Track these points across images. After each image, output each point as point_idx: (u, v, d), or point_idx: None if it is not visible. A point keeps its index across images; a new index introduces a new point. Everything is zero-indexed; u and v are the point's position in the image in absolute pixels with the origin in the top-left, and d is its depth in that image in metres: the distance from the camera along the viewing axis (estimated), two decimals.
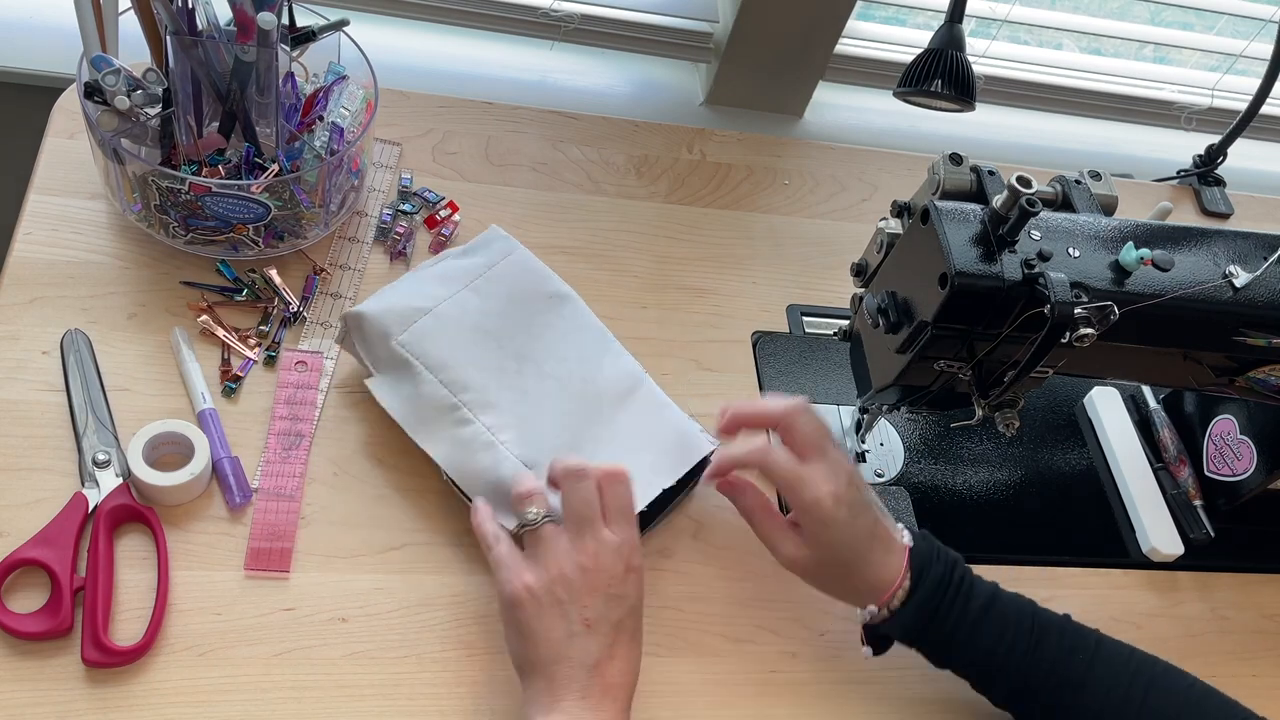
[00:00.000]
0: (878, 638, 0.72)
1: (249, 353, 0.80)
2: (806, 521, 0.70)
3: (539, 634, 0.64)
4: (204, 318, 0.80)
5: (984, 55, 1.24)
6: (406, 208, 0.92)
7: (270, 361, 0.80)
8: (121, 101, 0.76)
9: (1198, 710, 0.69)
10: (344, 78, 0.86)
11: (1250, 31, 1.27)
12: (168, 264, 0.83)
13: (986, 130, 1.30)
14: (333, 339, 0.83)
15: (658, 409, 0.80)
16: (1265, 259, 0.71)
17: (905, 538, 0.71)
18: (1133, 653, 0.71)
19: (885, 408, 0.84)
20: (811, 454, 0.70)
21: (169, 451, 0.73)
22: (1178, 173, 1.25)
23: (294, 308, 0.83)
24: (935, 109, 0.91)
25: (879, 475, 0.88)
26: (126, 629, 0.67)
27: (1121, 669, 0.69)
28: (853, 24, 1.15)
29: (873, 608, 0.70)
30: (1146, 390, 0.98)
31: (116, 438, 0.73)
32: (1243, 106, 1.14)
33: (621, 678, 0.64)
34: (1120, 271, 0.69)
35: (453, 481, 0.74)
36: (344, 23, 0.85)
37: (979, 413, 0.74)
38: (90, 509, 0.69)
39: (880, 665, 0.78)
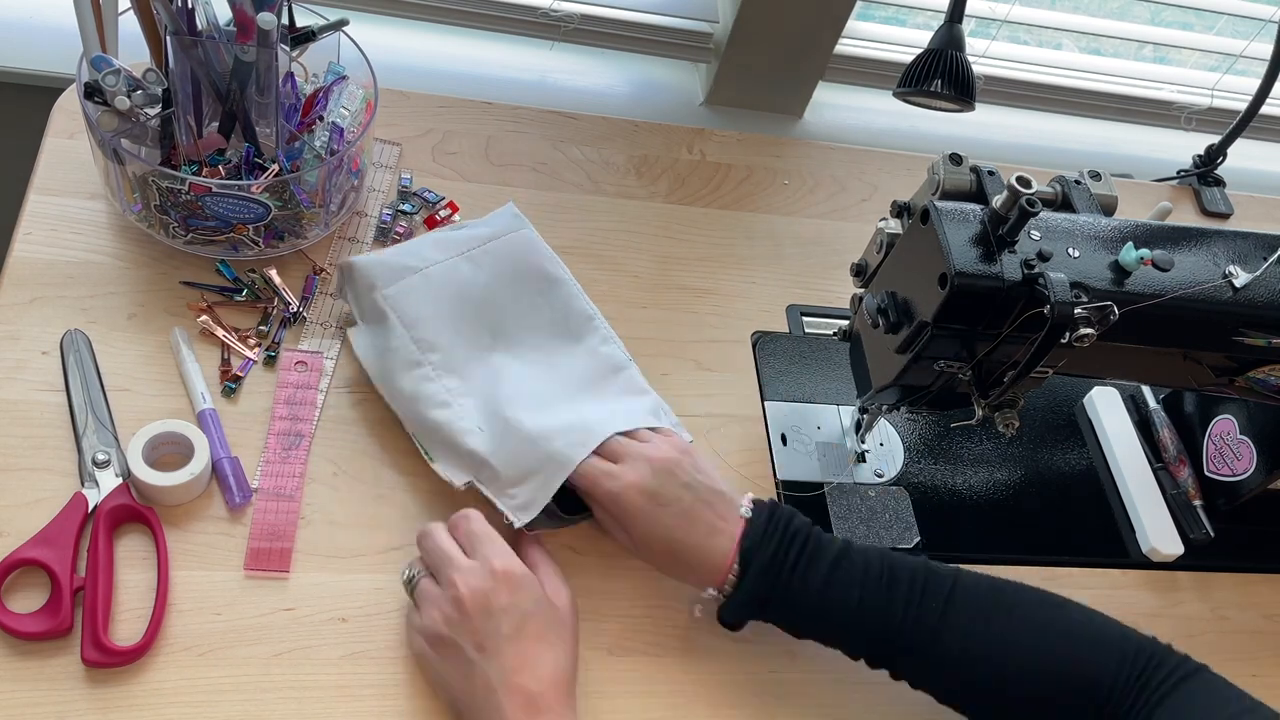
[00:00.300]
0: (719, 618, 0.72)
1: (249, 353, 0.80)
2: (612, 515, 0.71)
3: (448, 681, 0.65)
4: (204, 318, 0.80)
5: (984, 55, 1.24)
6: (406, 208, 0.92)
7: (270, 362, 0.80)
8: (121, 102, 0.76)
9: (1057, 628, 0.68)
10: (344, 78, 0.86)
11: (1250, 31, 1.27)
12: (167, 264, 0.83)
13: (986, 130, 1.30)
14: (332, 339, 0.83)
15: (632, 392, 0.80)
16: (1265, 259, 0.71)
17: (744, 510, 0.70)
18: (991, 586, 0.70)
19: (885, 408, 0.84)
20: (621, 459, 0.71)
21: (169, 451, 0.73)
22: (1177, 173, 1.25)
23: (294, 308, 0.83)
24: (935, 109, 0.91)
25: (879, 475, 0.88)
26: (126, 629, 0.67)
27: (977, 609, 0.68)
28: (853, 24, 1.15)
29: (711, 590, 0.70)
30: (1146, 390, 0.98)
31: (116, 438, 0.73)
32: (1243, 106, 1.14)
33: (538, 684, 0.63)
34: (1120, 272, 0.69)
35: (415, 439, 0.76)
36: (343, 23, 0.85)
37: (979, 413, 0.74)
38: (90, 509, 0.69)
39: None
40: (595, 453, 0.71)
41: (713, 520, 0.69)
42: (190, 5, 0.76)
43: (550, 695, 0.63)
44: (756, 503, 0.71)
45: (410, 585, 0.69)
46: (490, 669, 0.63)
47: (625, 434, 0.73)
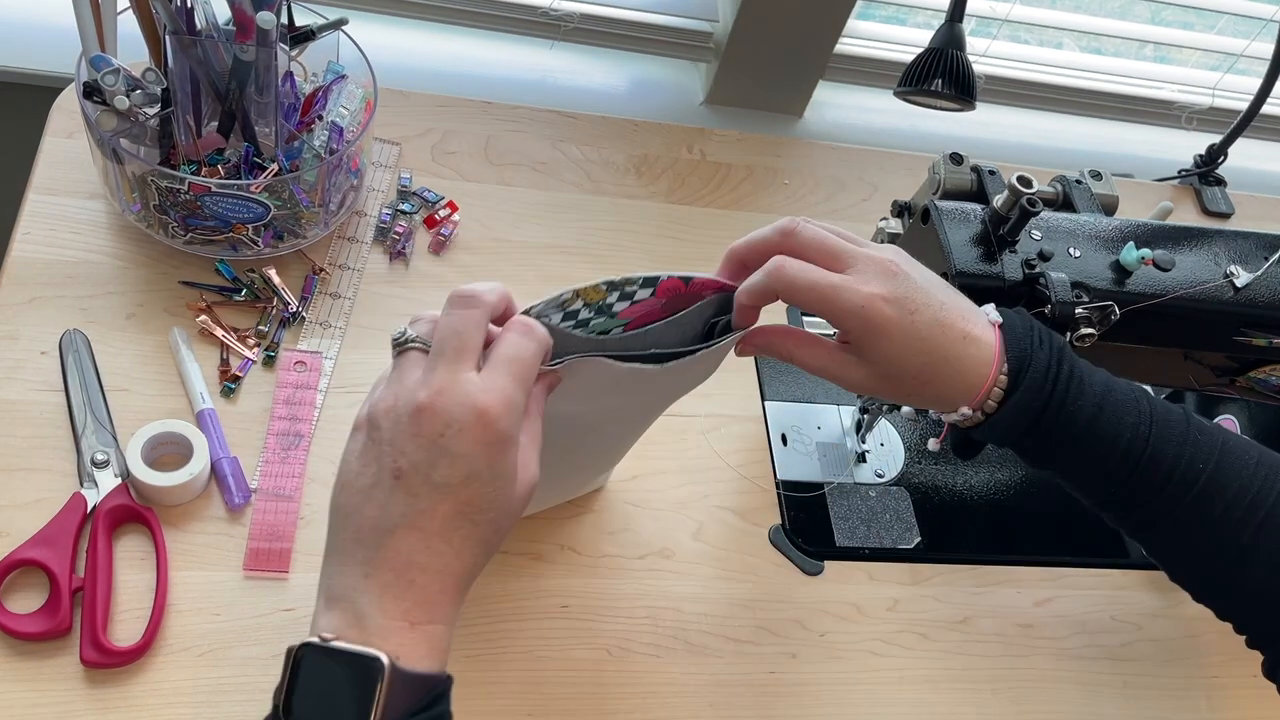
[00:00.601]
0: (965, 439, 0.62)
1: (248, 353, 0.80)
2: (856, 336, 0.57)
3: (348, 474, 0.50)
4: (203, 318, 0.80)
5: (984, 55, 1.24)
6: (406, 207, 0.92)
7: (269, 361, 0.80)
8: (120, 101, 0.76)
9: None
10: (343, 77, 0.86)
11: (1251, 31, 1.27)
12: (166, 264, 0.83)
13: (987, 130, 1.30)
14: (332, 339, 0.83)
15: None
16: (1266, 259, 0.71)
17: (993, 315, 0.59)
18: (1261, 457, 0.60)
19: (886, 408, 0.84)
20: (837, 261, 0.57)
21: (168, 452, 0.73)
22: (1178, 172, 1.25)
23: (293, 308, 0.83)
24: (936, 108, 0.91)
25: (879, 475, 0.87)
26: (125, 629, 0.67)
27: (1249, 470, 0.59)
28: (853, 23, 1.15)
29: (965, 410, 0.58)
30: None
31: (115, 438, 0.72)
32: (1243, 106, 1.14)
33: (429, 562, 0.48)
34: (1121, 271, 0.69)
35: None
36: (343, 22, 0.85)
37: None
38: (89, 509, 0.69)
39: (879, 666, 0.78)
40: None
41: (964, 326, 0.57)
42: (189, 4, 0.76)
43: (432, 576, 0.49)
44: (1001, 309, 0.60)
45: (399, 344, 0.52)
46: (392, 503, 0.48)
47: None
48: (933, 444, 0.65)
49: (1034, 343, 0.58)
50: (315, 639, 0.47)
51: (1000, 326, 0.58)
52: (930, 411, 0.61)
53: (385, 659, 0.46)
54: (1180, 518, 0.59)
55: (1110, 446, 0.58)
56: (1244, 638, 0.62)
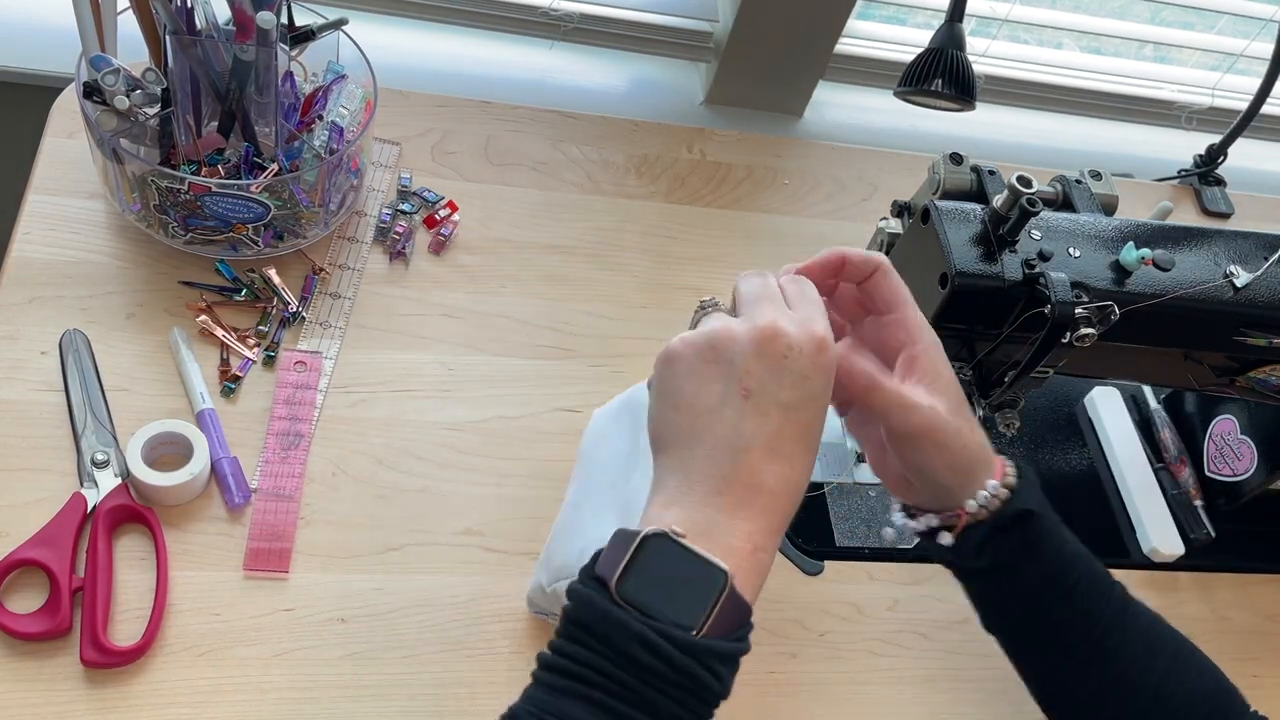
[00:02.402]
0: (990, 535, 0.60)
1: (248, 353, 0.80)
2: (925, 347, 0.56)
3: (684, 395, 0.50)
4: (203, 318, 0.80)
5: (984, 55, 1.24)
6: (406, 207, 0.92)
7: (269, 361, 0.80)
8: (120, 101, 0.76)
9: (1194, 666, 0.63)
10: (343, 77, 0.86)
11: (1251, 31, 1.27)
12: (166, 264, 0.83)
13: (987, 130, 1.30)
14: (332, 339, 0.83)
15: None
16: (1266, 259, 0.71)
17: None
18: (1153, 623, 0.65)
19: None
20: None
21: (168, 452, 0.73)
22: (1178, 172, 1.25)
23: (293, 308, 0.83)
24: (935, 108, 0.91)
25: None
26: (125, 629, 0.67)
27: (1140, 629, 0.63)
28: (853, 23, 1.15)
29: (993, 482, 0.58)
30: (1147, 390, 0.98)
31: (115, 438, 0.72)
32: (1243, 106, 1.14)
33: (778, 485, 0.49)
34: (1121, 271, 0.69)
35: None
36: (343, 22, 0.85)
37: (979, 413, 0.73)
38: (89, 509, 0.69)
39: (880, 666, 0.78)
40: None
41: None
42: (189, 4, 0.76)
43: (779, 502, 0.49)
44: None
45: (704, 305, 0.55)
46: (744, 423, 0.49)
47: None
48: (946, 538, 0.61)
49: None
50: (668, 530, 0.47)
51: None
52: (900, 518, 0.62)
53: (729, 573, 0.46)
54: (1103, 653, 0.61)
55: (1072, 563, 0.60)
56: None
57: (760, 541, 0.48)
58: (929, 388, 0.56)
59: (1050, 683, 0.64)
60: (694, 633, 0.45)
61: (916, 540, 0.62)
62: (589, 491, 0.70)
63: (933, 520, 0.60)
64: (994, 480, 0.58)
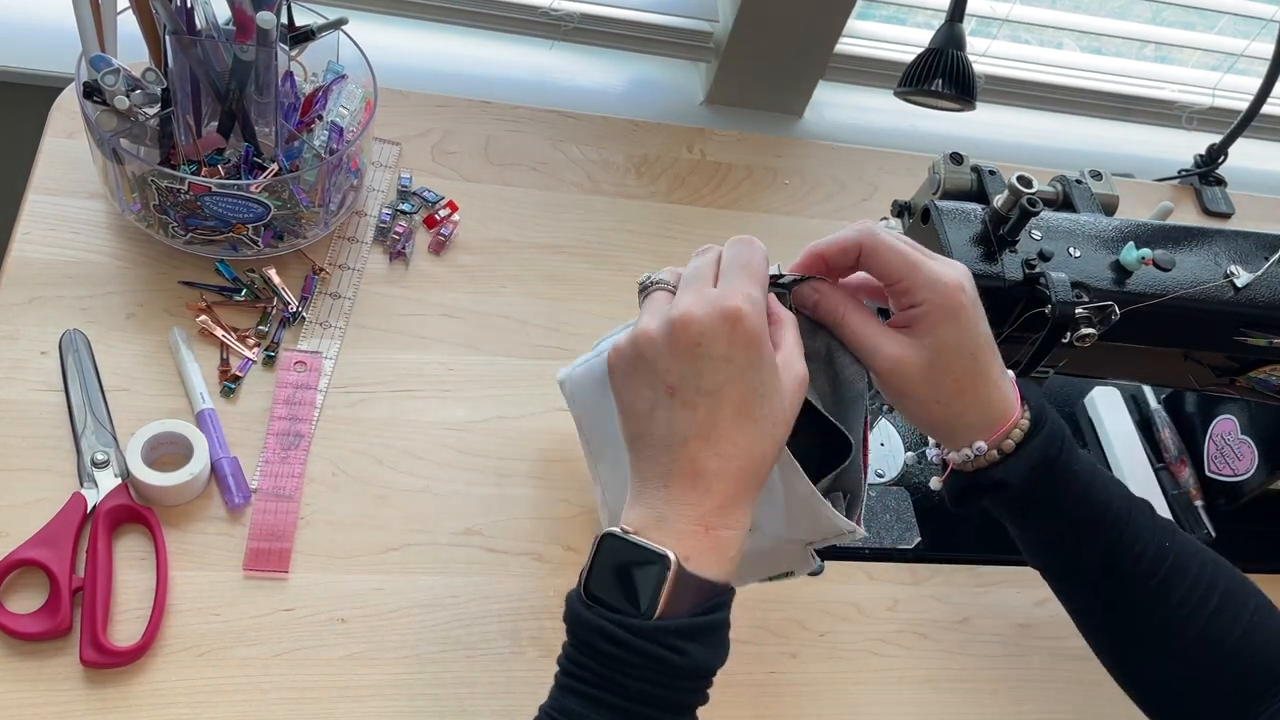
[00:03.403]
0: (963, 489, 0.61)
1: (248, 353, 0.80)
2: (925, 310, 0.56)
3: (624, 403, 0.55)
4: (203, 318, 0.80)
5: (985, 54, 1.24)
6: (406, 207, 0.92)
7: (269, 361, 0.80)
8: (120, 101, 0.76)
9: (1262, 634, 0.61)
10: (343, 77, 0.86)
11: (1251, 31, 1.27)
12: (166, 264, 0.83)
13: (987, 130, 1.30)
14: (332, 339, 0.83)
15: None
16: (1266, 259, 0.71)
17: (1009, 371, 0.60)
18: (1200, 548, 0.63)
19: (886, 407, 0.84)
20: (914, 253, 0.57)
21: (168, 452, 0.73)
22: (1179, 172, 1.25)
23: (293, 308, 0.83)
24: (936, 108, 0.91)
25: (879, 475, 0.87)
26: (125, 629, 0.67)
27: (1199, 567, 0.61)
28: (853, 23, 1.15)
29: (980, 445, 0.58)
30: (1147, 390, 0.98)
31: (115, 438, 0.72)
32: (1244, 106, 1.14)
33: (718, 461, 0.52)
34: (1121, 271, 0.69)
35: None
36: (343, 21, 0.85)
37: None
38: (89, 509, 0.69)
39: (880, 666, 0.78)
40: None
41: (999, 360, 0.58)
42: (189, 4, 0.76)
43: (726, 481, 0.52)
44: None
45: (644, 286, 0.57)
46: (675, 419, 0.52)
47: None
48: (935, 483, 0.63)
49: (1044, 399, 0.59)
50: (617, 529, 0.52)
51: (1015, 380, 0.59)
52: (934, 450, 0.62)
53: (673, 557, 0.50)
54: (1145, 598, 0.60)
55: (1103, 509, 0.59)
56: None
57: (713, 520, 0.52)
58: (910, 340, 0.57)
59: (1085, 622, 0.65)
60: (650, 616, 0.50)
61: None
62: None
63: (941, 456, 0.61)
64: (982, 443, 0.58)
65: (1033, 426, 0.58)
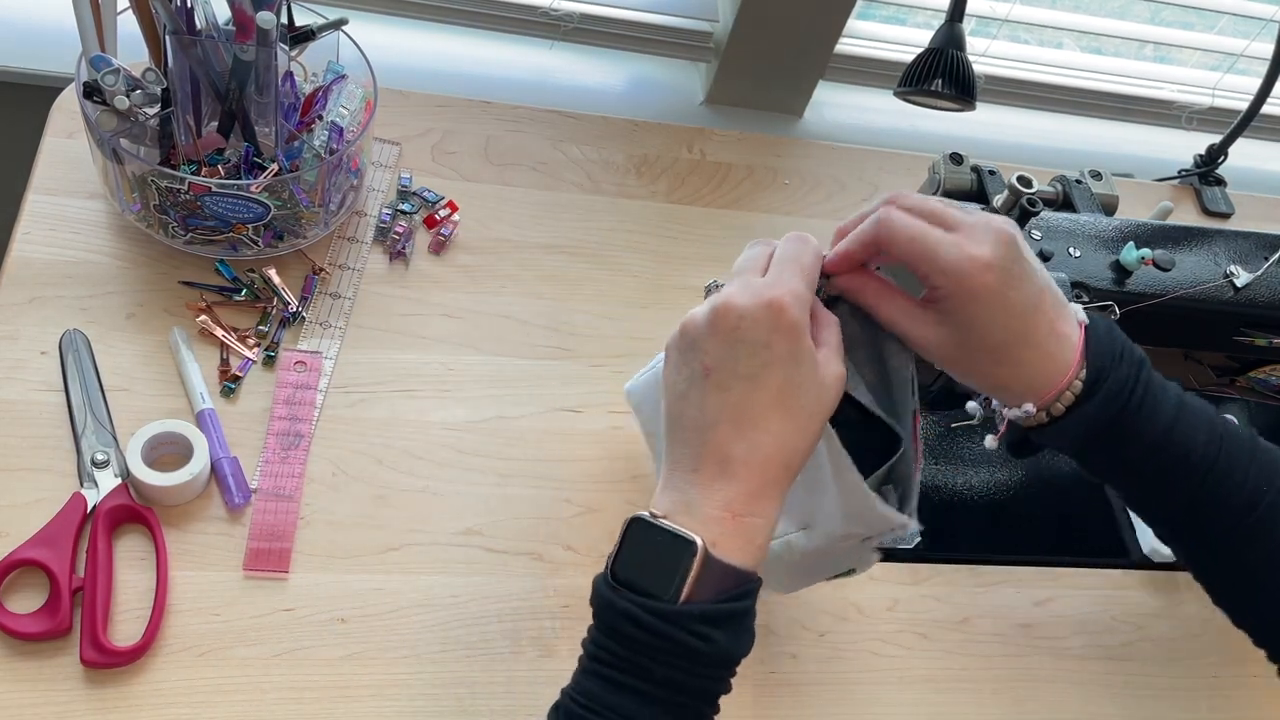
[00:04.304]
0: (1023, 440, 0.59)
1: (248, 353, 0.80)
2: (947, 294, 0.54)
3: (668, 383, 0.55)
4: (203, 318, 0.80)
5: (984, 55, 1.24)
6: (406, 207, 0.92)
7: (269, 361, 0.80)
8: (120, 101, 0.76)
9: None
10: (343, 77, 0.86)
11: (1251, 31, 1.27)
12: (166, 264, 0.83)
13: (987, 130, 1.30)
14: (332, 339, 0.83)
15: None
16: (1266, 259, 0.71)
17: (1080, 316, 0.57)
18: None
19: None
20: (944, 223, 0.55)
21: (168, 452, 0.73)
22: (1178, 172, 1.25)
23: (293, 308, 0.83)
24: (936, 108, 0.91)
25: None
26: (125, 629, 0.67)
27: None
28: (853, 23, 1.15)
29: (1029, 407, 0.56)
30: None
31: (115, 438, 0.72)
32: (1244, 106, 1.14)
33: (748, 451, 0.52)
34: (1121, 271, 0.69)
35: None
36: (343, 22, 0.85)
37: (980, 413, 0.73)
38: (89, 509, 0.69)
39: (880, 666, 0.78)
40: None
41: (1052, 318, 0.55)
42: (189, 4, 0.76)
43: (754, 469, 0.52)
44: (1089, 311, 0.58)
45: (709, 288, 0.58)
46: (708, 401, 0.52)
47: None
48: (990, 441, 0.61)
49: (1116, 355, 0.56)
50: (646, 514, 0.52)
51: (1086, 329, 0.56)
52: (992, 404, 0.61)
53: (700, 542, 0.50)
54: (1237, 540, 0.57)
55: (1179, 462, 0.56)
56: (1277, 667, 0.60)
57: (740, 508, 0.52)
58: (939, 319, 0.55)
59: (1184, 555, 0.62)
60: (675, 601, 0.50)
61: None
62: None
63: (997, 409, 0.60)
64: (1030, 405, 0.56)
65: (1087, 388, 0.55)
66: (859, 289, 0.58)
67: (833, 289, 0.59)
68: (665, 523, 0.51)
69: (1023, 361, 0.55)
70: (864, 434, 0.59)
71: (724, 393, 0.52)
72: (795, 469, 0.54)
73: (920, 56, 0.88)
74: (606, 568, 0.52)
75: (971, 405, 0.64)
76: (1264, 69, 1.10)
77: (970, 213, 0.56)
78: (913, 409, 0.60)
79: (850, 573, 0.66)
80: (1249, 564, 0.58)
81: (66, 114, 0.89)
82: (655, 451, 0.70)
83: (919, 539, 0.59)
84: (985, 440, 0.60)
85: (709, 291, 0.58)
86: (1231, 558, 0.59)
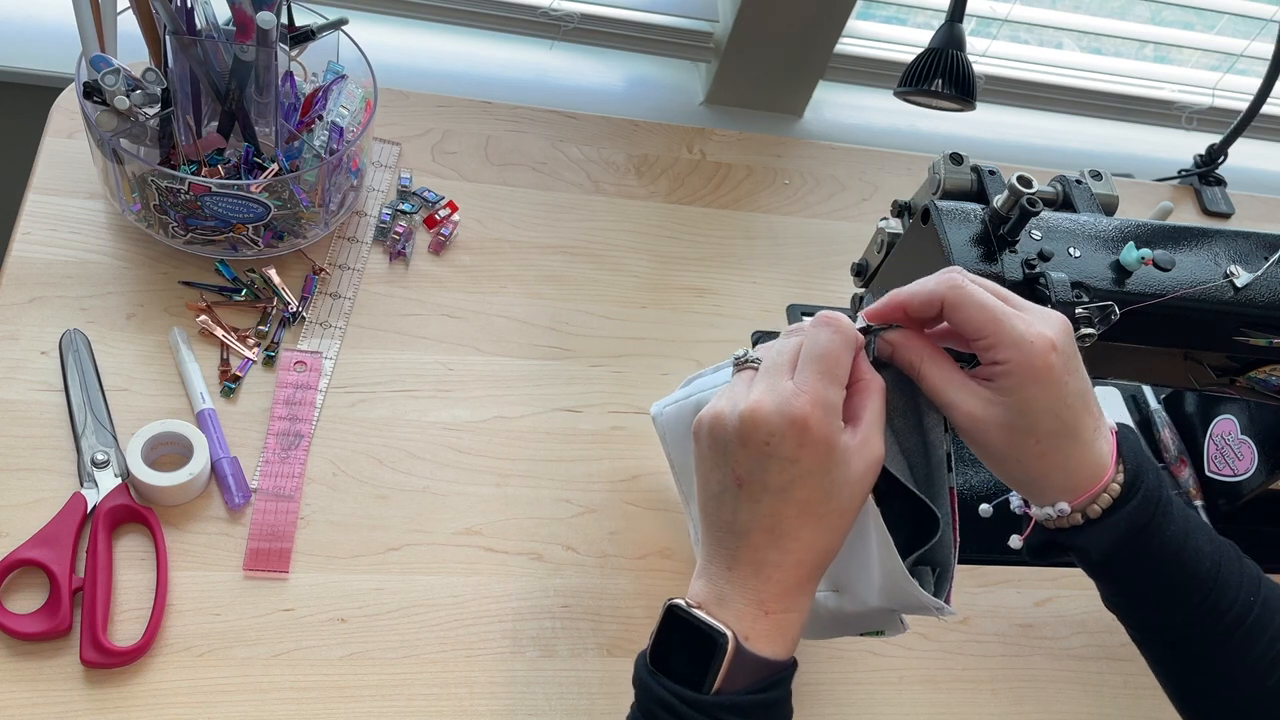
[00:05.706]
0: (1046, 542, 0.58)
1: (248, 353, 0.80)
2: (1010, 369, 0.53)
3: (700, 476, 0.55)
4: (203, 318, 0.80)
5: (984, 55, 1.24)
6: (406, 207, 0.92)
7: (269, 361, 0.80)
8: (121, 101, 0.76)
9: None
10: (343, 77, 0.86)
11: (1251, 31, 1.27)
12: (167, 264, 0.83)
13: (987, 130, 1.30)
14: (332, 339, 0.83)
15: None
16: (1266, 259, 0.71)
17: (1110, 420, 0.56)
18: None
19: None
20: (1007, 303, 0.54)
21: (168, 452, 0.73)
22: (1178, 172, 1.25)
23: (293, 308, 0.83)
24: (936, 108, 0.91)
25: None
26: (125, 629, 0.67)
27: None
28: (853, 23, 1.15)
29: (1063, 505, 0.55)
30: (1147, 390, 0.98)
31: (115, 438, 0.72)
32: (1244, 106, 1.14)
33: (780, 555, 0.52)
34: (1121, 271, 0.68)
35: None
36: (343, 22, 0.85)
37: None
38: (89, 509, 0.69)
39: (880, 666, 0.78)
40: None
41: (1097, 416, 0.55)
42: (189, 4, 0.76)
43: (787, 570, 0.53)
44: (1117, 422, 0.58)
45: (738, 361, 0.56)
46: (741, 509, 0.53)
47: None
48: (1015, 541, 0.59)
49: (1147, 460, 0.55)
50: (681, 601, 0.53)
51: (1116, 434, 0.56)
52: (1017, 501, 0.61)
53: (731, 637, 0.51)
54: (1229, 650, 0.57)
55: (1191, 572, 0.56)
56: None
57: (774, 605, 0.52)
58: (991, 397, 0.54)
59: (1157, 663, 0.62)
60: (708, 691, 0.51)
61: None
62: None
63: (1023, 509, 0.59)
64: (1065, 504, 0.55)
65: (1125, 492, 0.54)
66: (913, 349, 0.56)
67: (883, 352, 0.57)
68: (699, 614, 0.52)
69: (1068, 456, 0.54)
70: (901, 504, 0.59)
71: (756, 504, 0.52)
72: (827, 564, 0.54)
73: (920, 56, 0.88)
74: (646, 650, 0.54)
75: (985, 508, 0.64)
76: (1264, 69, 1.10)
77: (1026, 301, 0.56)
78: (949, 486, 0.59)
79: (879, 633, 0.66)
80: (1232, 674, 0.58)
81: (66, 114, 0.89)
82: (681, 487, 0.70)
83: (953, 614, 0.59)
84: (1011, 540, 0.59)
85: (737, 362, 0.56)
86: (1221, 667, 0.58)
